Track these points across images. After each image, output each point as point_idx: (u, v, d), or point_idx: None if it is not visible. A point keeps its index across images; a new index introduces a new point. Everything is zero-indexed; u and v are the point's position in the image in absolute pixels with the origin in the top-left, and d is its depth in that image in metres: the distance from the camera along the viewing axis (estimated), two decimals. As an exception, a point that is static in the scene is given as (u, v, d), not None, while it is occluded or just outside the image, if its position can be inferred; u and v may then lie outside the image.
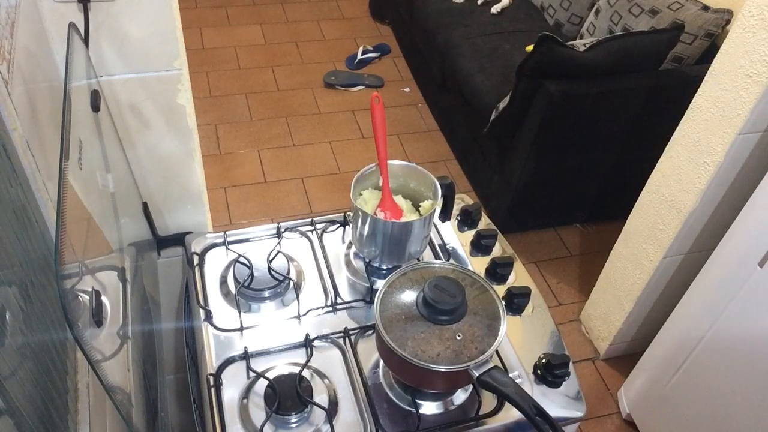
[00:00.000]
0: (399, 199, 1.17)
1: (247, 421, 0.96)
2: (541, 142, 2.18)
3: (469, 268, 1.09)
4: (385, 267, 1.19)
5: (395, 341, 0.90)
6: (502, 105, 2.27)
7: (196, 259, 1.20)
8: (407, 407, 1.00)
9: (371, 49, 3.44)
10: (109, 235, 1.00)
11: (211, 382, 1.00)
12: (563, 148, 2.26)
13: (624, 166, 2.36)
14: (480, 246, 1.26)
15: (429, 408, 1.00)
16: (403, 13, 3.34)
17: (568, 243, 2.57)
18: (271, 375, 1.00)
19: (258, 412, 0.96)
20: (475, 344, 0.91)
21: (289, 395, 0.96)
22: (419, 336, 0.91)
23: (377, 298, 0.96)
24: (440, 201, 1.14)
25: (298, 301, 1.13)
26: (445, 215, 1.23)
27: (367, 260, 1.18)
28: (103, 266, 0.96)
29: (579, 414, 1.02)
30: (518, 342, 1.09)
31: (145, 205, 1.31)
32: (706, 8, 2.19)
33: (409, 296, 0.96)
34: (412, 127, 3.06)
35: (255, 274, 1.13)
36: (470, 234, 1.28)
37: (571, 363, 1.05)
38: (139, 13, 1.06)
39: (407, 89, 3.27)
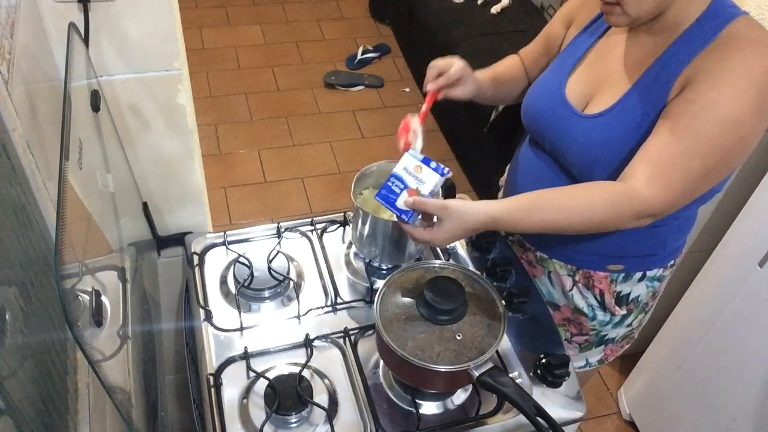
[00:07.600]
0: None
1: (247, 421, 0.96)
2: (541, 142, 2.18)
3: (469, 268, 1.09)
4: (385, 267, 1.19)
5: (395, 341, 0.90)
6: (501, 105, 2.26)
7: (196, 259, 1.20)
8: (407, 407, 1.00)
9: (371, 49, 3.44)
10: (109, 235, 1.00)
11: (211, 382, 1.00)
12: (563, 148, 2.26)
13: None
14: (480, 246, 1.26)
15: (429, 408, 1.00)
16: (403, 13, 3.34)
17: (568, 243, 2.56)
18: (271, 375, 1.00)
19: (258, 412, 0.96)
20: (475, 344, 0.91)
21: (289, 395, 0.96)
22: (419, 336, 0.91)
23: (377, 298, 0.96)
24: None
25: (298, 301, 1.13)
26: (445, 215, 1.22)
27: (367, 260, 1.18)
28: (103, 266, 0.96)
29: (579, 414, 1.02)
30: (518, 342, 1.09)
31: (145, 205, 1.30)
32: (706, 8, 2.19)
33: (409, 296, 0.96)
34: (412, 127, 3.05)
35: (255, 274, 1.13)
36: (470, 234, 1.28)
37: (570, 363, 1.05)
38: (139, 13, 1.06)
39: (407, 89, 3.27)
